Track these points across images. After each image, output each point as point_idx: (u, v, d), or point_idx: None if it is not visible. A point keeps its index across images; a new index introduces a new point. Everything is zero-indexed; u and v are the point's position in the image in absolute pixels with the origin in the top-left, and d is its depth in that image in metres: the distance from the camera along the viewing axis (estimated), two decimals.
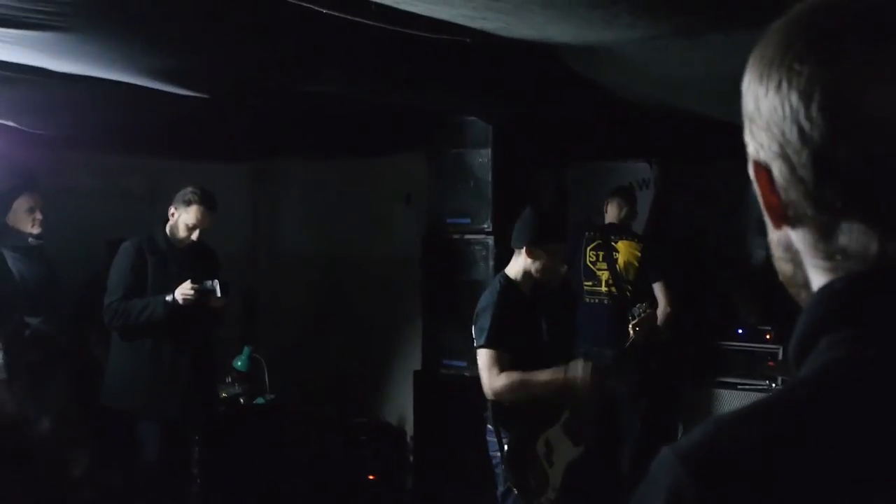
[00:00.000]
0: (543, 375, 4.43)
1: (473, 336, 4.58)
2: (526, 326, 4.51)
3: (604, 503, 4.55)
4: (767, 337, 6.31)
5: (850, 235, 0.84)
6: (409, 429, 7.25)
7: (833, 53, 0.83)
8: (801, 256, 0.91)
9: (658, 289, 6.20)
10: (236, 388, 6.76)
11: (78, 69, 4.33)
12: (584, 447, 4.65)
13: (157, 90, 4.71)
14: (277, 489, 6.62)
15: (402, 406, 7.54)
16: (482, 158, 6.46)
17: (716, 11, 3.35)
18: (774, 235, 0.93)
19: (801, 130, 0.84)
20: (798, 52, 0.85)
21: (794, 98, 0.84)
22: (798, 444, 0.79)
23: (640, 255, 6.34)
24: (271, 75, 4.86)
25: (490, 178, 6.43)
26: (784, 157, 0.86)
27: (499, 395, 4.46)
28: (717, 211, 6.82)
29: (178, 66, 4.40)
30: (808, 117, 0.83)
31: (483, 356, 4.50)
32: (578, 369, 4.41)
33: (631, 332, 4.91)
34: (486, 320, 4.50)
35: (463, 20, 3.52)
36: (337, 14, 3.36)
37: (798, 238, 0.90)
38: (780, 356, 6.10)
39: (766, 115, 0.87)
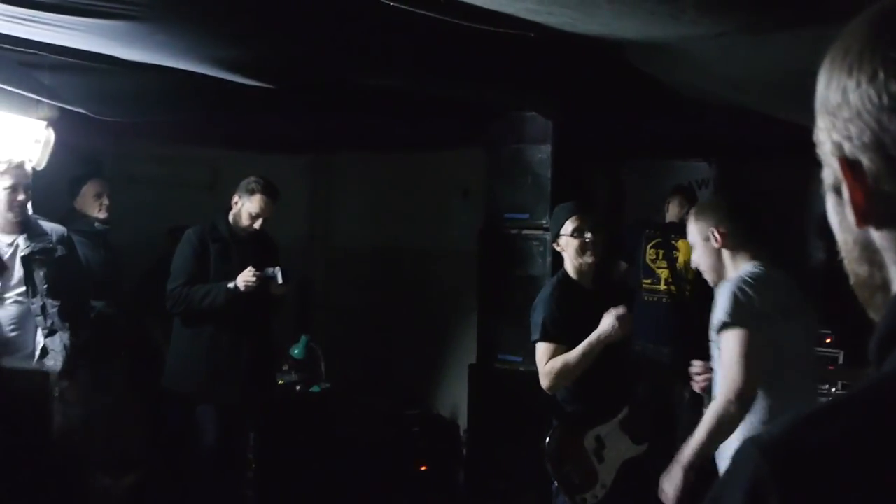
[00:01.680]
0: (580, 347, 4.41)
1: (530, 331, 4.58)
2: (584, 320, 4.49)
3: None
4: (828, 341, 6.22)
5: None
6: (463, 422, 7.28)
7: None
8: (882, 256, 0.90)
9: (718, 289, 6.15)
10: (293, 375, 6.83)
11: (146, 58, 4.41)
12: (646, 446, 4.62)
13: (222, 80, 4.77)
14: (330, 477, 6.68)
15: (455, 399, 7.56)
16: (541, 154, 6.45)
17: (782, 9, 3.32)
18: (851, 235, 0.92)
19: (880, 102, 0.84)
20: (894, 42, 0.84)
21: (894, 86, 0.83)
22: (880, 441, 0.78)
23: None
24: (335, 67, 4.90)
25: (549, 174, 6.41)
26: (879, 147, 0.85)
27: (549, 385, 4.49)
28: (776, 211, 6.75)
29: (244, 56, 4.46)
30: (886, 87, 0.83)
31: (538, 350, 4.53)
32: (607, 320, 4.40)
33: None
34: (538, 315, 4.54)
35: (528, 14, 3.52)
36: (403, 6, 3.38)
37: (883, 236, 0.88)
38: (841, 360, 6.02)
39: (856, 106, 0.86)
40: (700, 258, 3.97)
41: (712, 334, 3.69)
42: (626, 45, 4.14)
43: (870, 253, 0.91)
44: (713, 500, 0.85)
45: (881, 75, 0.84)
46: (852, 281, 0.96)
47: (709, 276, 3.96)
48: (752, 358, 3.54)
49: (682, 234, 6.37)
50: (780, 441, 0.82)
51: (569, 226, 4.57)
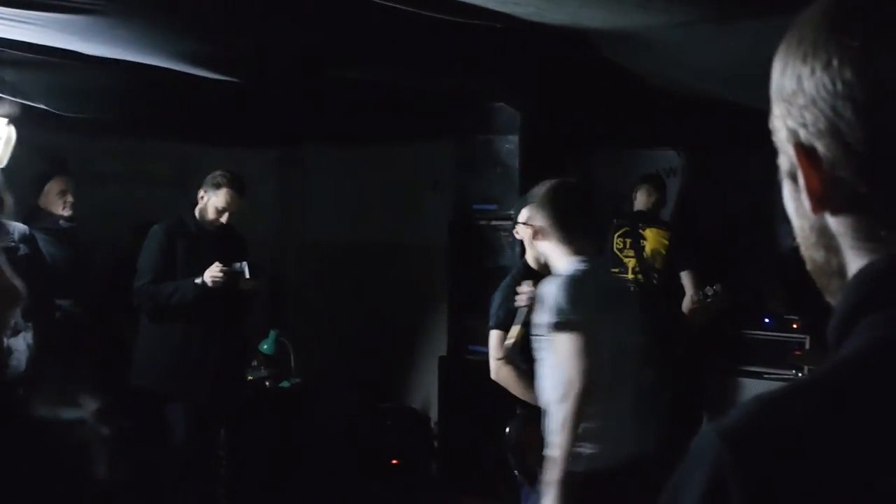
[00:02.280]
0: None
1: None
2: None
3: (624, 489, 4.53)
4: (794, 326, 6.27)
5: (892, 206, 0.84)
6: (434, 414, 7.27)
7: (887, 26, 0.84)
8: (838, 241, 0.90)
9: (685, 277, 6.17)
10: (262, 371, 6.79)
11: (110, 53, 4.36)
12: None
13: (187, 75, 4.73)
14: (302, 472, 6.66)
15: (427, 391, 7.56)
16: (510, 145, 6.45)
17: None
18: (807, 222, 0.93)
19: (855, 104, 0.83)
20: (849, 29, 0.85)
21: (848, 73, 0.84)
22: (841, 423, 0.78)
23: (667, 243, 6.32)
24: (301, 60, 4.87)
25: (517, 165, 6.43)
26: (834, 134, 0.85)
27: (496, 377, 4.52)
28: (744, 199, 6.78)
29: (209, 50, 4.42)
30: (864, 90, 0.83)
31: (490, 338, 4.57)
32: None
33: (694, 306, 4.84)
34: (494, 303, 4.58)
35: (494, 5, 3.50)
36: None
37: (839, 222, 0.89)
38: (808, 345, 6.07)
39: (811, 93, 0.86)
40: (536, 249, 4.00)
41: (540, 332, 3.70)
42: (593, 34, 4.14)
43: (826, 239, 0.91)
44: (675, 488, 0.84)
45: (835, 62, 0.84)
46: (809, 266, 0.96)
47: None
48: (584, 355, 3.57)
49: (650, 223, 6.42)
50: (740, 426, 0.82)
51: (524, 214, 4.45)
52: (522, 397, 4.42)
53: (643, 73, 5.00)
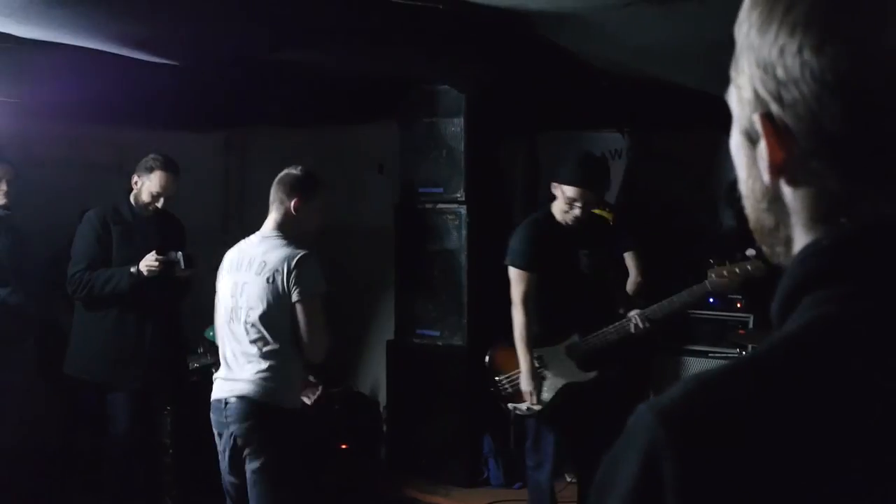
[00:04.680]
0: (525, 363, 4.98)
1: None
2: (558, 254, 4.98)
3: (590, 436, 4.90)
4: (738, 305, 6.33)
5: (866, 205, 0.82)
6: (382, 398, 7.27)
7: (887, 16, 0.80)
8: (789, 213, 0.88)
9: (629, 258, 6.19)
10: (208, 358, 6.72)
11: (45, 35, 4.27)
12: (594, 374, 5.00)
13: (126, 58, 4.65)
14: None
15: (375, 376, 7.54)
16: (455, 127, 6.44)
17: None
18: (760, 185, 0.89)
19: (846, 103, 0.80)
20: (854, 14, 0.81)
21: (844, 65, 0.80)
22: (777, 402, 0.77)
23: (611, 223, 6.34)
24: (241, 43, 4.81)
25: (463, 148, 6.42)
26: (814, 123, 0.82)
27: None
28: (688, 180, 6.83)
29: (147, 33, 4.35)
30: (859, 87, 0.80)
31: (511, 274, 5.02)
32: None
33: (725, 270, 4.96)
34: (519, 239, 5.03)
35: None
36: None
37: (797, 198, 0.87)
38: (751, 324, 6.13)
39: (794, 74, 0.82)
40: None
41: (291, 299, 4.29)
42: (535, 16, 4.14)
43: (778, 207, 0.89)
44: (610, 466, 0.83)
45: (828, 49, 0.80)
46: (753, 225, 0.94)
47: None
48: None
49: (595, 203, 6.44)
50: (675, 405, 0.81)
51: (570, 191, 4.87)
52: (518, 346, 4.96)
53: (586, 54, 5.02)
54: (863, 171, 0.82)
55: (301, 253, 4.29)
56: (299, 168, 4.61)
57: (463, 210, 6.44)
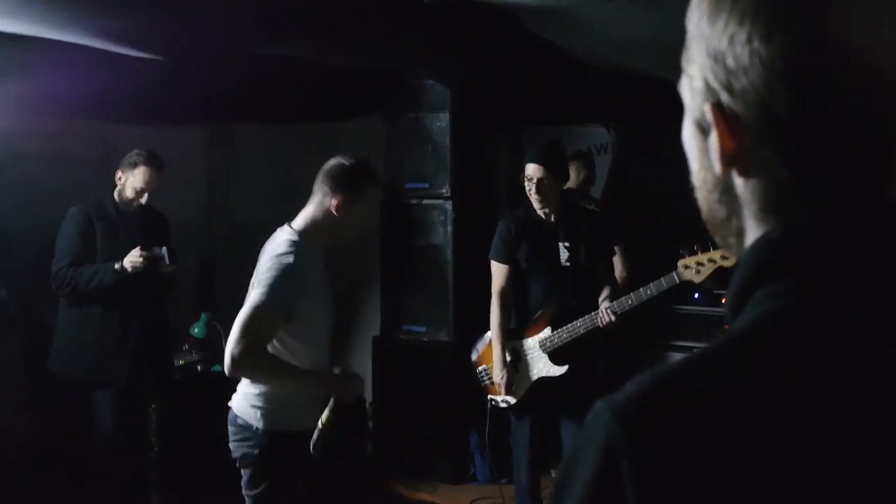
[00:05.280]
0: (496, 354, 5.08)
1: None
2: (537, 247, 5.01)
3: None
4: (723, 301, 6.35)
5: (814, 195, 0.82)
6: (368, 394, 7.25)
7: (840, 7, 0.80)
8: (741, 205, 0.88)
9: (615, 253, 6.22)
10: (193, 355, 6.70)
11: (28, 30, 4.25)
12: (565, 369, 4.97)
13: (111, 53, 4.63)
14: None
15: (360, 371, 7.49)
16: (440, 122, 6.43)
17: None
18: (712, 176, 0.90)
19: (794, 87, 0.80)
20: (799, 2, 0.80)
21: (790, 51, 0.80)
22: (733, 397, 0.77)
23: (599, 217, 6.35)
24: (226, 37, 4.79)
25: (448, 143, 6.41)
26: (765, 111, 0.82)
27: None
28: (673, 175, 6.80)
29: (132, 27, 4.33)
30: (806, 73, 0.80)
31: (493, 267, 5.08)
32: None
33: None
34: (495, 236, 5.10)
35: None
36: None
37: (748, 188, 0.86)
38: None
39: (743, 63, 0.82)
40: None
41: None
42: (520, 10, 4.14)
43: (729, 198, 0.89)
44: (570, 462, 0.83)
45: (777, 37, 0.80)
46: (705, 216, 0.95)
47: None
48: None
49: (580, 199, 6.44)
50: (631, 401, 0.81)
51: (527, 169, 4.93)
52: (492, 337, 5.07)
53: (570, 48, 5.02)
54: (811, 159, 0.82)
55: (286, 257, 3.57)
56: (351, 159, 3.84)
57: (449, 205, 6.44)
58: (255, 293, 3.53)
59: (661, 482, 0.77)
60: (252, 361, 3.44)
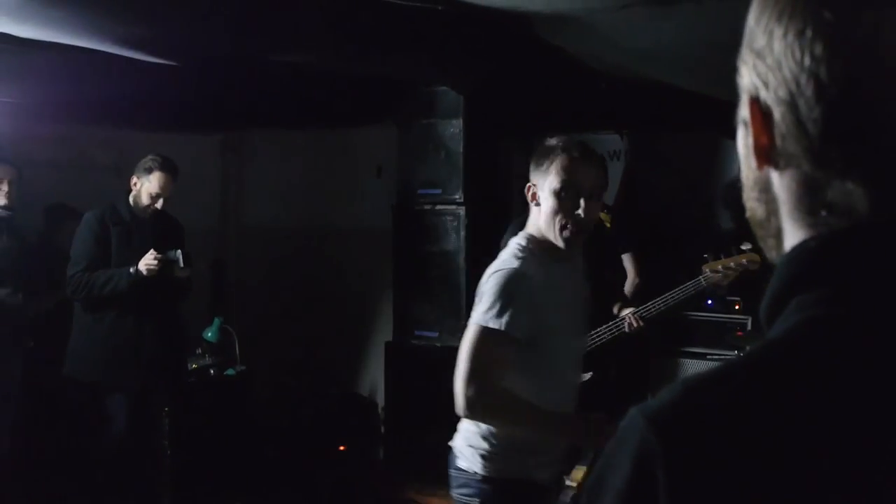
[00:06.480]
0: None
1: None
2: None
3: None
4: (736, 307, 6.33)
5: (840, 193, 0.82)
6: (381, 400, 7.26)
7: (869, 9, 0.80)
8: (778, 204, 0.89)
9: (627, 259, 6.21)
10: (206, 359, 6.73)
11: (43, 35, 4.27)
12: (592, 374, 4.74)
13: (126, 58, 4.65)
14: (248, 460, 6.62)
15: (373, 377, 7.55)
16: (453, 129, 6.44)
17: None
18: (752, 174, 0.90)
19: (819, 84, 0.81)
20: (831, 1, 0.81)
21: (819, 49, 0.81)
22: (766, 406, 0.78)
23: (609, 225, 6.35)
24: (241, 44, 4.81)
25: (461, 149, 6.42)
26: (792, 105, 0.83)
27: None
28: (686, 182, 6.84)
29: (147, 33, 4.35)
30: (829, 72, 0.80)
31: None
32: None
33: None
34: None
35: None
36: None
37: (782, 185, 0.87)
38: (749, 326, 6.14)
39: (779, 57, 0.83)
40: None
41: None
42: (533, 17, 4.14)
43: (767, 196, 0.90)
44: (601, 469, 0.84)
45: (808, 32, 0.81)
46: (749, 215, 0.95)
47: None
48: None
49: None
50: (666, 409, 0.81)
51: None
52: None
53: (583, 56, 5.02)
54: (835, 157, 0.82)
55: (501, 267, 3.11)
56: (560, 140, 3.21)
57: (461, 211, 6.44)
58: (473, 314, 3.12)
59: (695, 489, 0.77)
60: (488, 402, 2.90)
